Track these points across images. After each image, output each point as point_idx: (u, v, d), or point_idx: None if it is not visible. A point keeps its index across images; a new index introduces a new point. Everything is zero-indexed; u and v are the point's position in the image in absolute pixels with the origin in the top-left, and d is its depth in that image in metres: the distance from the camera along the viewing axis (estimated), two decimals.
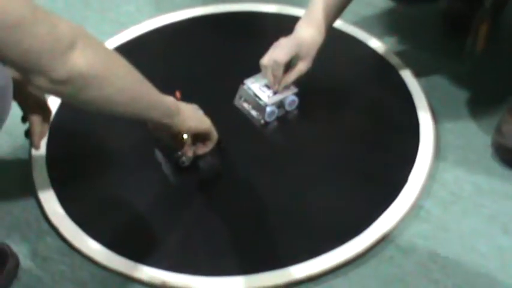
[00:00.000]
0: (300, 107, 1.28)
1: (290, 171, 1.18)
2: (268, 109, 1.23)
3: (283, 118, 1.27)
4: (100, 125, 1.25)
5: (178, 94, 1.19)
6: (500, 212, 1.13)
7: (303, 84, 1.26)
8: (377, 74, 1.37)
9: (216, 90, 1.32)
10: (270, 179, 1.17)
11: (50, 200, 1.15)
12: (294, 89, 1.26)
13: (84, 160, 1.22)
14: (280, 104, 1.25)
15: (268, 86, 1.25)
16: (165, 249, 1.08)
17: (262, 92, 1.25)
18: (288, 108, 1.27)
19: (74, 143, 1.25)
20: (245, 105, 1.27)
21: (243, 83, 1.27)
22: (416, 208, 1.13)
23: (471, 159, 1.22)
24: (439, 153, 1.22)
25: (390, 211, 1.11)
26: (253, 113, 1.26)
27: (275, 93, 1.25)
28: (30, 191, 1.17)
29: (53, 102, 1.31)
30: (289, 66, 1.22)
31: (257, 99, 1.24)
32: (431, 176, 1.18)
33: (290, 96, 1.26)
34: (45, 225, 1.13)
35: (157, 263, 1.05)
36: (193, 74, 1.36)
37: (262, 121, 1.25)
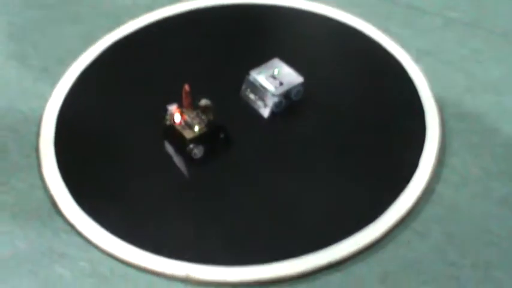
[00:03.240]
0: (305, 96, 1.29)
1: (298, 161, 1.19)
2: (275, 99, 1.24)
3: (290, 108, 1.28)
4: (109, 117, 1.25)
5: (187, 87, 1.19)
6: (510, 194, 1.16)
7: (307, 74, 1.27)
8: (378, 63, 1.38)
9: (221, 83, 1.32)
10: (277, 169, 1.18)
11: (63, 196, 1.14)
12: (300, 79, 1.27)
13: (95, 154, 1.22)
14: (286, 94, 1.26)
15: (274, 77, 1.26)
16: (184, 241, 1.08)
17: (268, 83, 1.25)
18: (294, 98, 1.27)
19: (82, 137, 1.24)
20: (251, 96, 1.28)
21: (248, 74, 1.28)
22: (428, 192, 1.15)
23: (476, 143, 1.24)
24: (445, 138, 1.24)
25: (404, 196, 1.13)
26: (260, 103, 1.26)
27: (281, 83, 1.25)
28: (42, 189, 1.16)
29: (58, 95, 1.31)
30: None
31: (263, 89, 1.25)
32: (440, 161, 1.20)
33: (297, 87, 1.26)
34: (60, 222, 1.12)
35: (179, 255, 1.05)
36: (196, 67, 1.37)
37: (269, 111, 1.25)
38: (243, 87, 1.28)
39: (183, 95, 1.20)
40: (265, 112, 1.26)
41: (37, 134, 1.25)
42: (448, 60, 1.40)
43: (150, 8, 1.54)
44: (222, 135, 1.21)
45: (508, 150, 1.23)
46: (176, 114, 1.19)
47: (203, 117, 1.19)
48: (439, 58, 1.41)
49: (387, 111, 1.27)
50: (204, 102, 1.20)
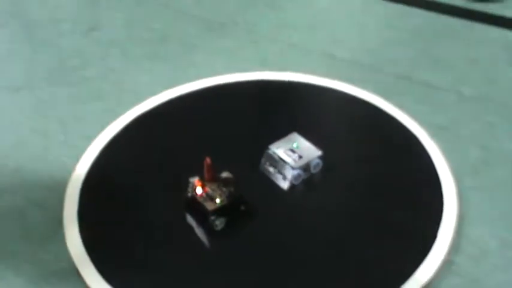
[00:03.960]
0: (324, 169, 1.32)
1: (319, 232, 1.21)
2: (294, 172, 1.27)
3: (309, 181, 1.31)
4: (131, 190, 1.28)
5: (208, 160, 1.22)
6: None
7: (326, 148, 1.31)
8: (395, 138, 1.41)
9: (241, 157, 1.35)
10: (299, 241, 1.20)
11: (87, 268, 1.16)
12: (318, 152, 1.30)
13: (118, 227, 1.23)
14: (306, 167, 1.29)
15: (293, 150, 1.30)
16: None
17: (287, 156, 1.28)
18: (313, 171, 1.30)
19: (105, 210, 1.26)
20: (271, 169, 1.31)
21: (268, 148, 1.31)
22: (448, 263, 1.16)
23: (493, 215, 1.25)
24: (462, 209, 1.26)
25: (424, 266, 1.14)
26: (279, 176, 1.29)
27: (300, 157, 1.29)
28: (66, 260, 1.18)
29: (82, 168, 1.34)
30: None
31: (283, 162, 1.28)
32: (458, 232, 1.22)
33: (315, 160, 1.29)
34: None
35: None
36: (217, 141, 1.40)
37: (288, 184, 1.28)
38: (263, 160, 1.31)
39: (205, 168, 1.23)
40: (285, 185, 1.28)
41: (61, 207, 1.27)
42: (463, 134, 1.43)
43: (169, 86, 1.58)
44: (242, 207, 1.23)
45: None
46: (198, 187, 1.21)
47: (224, 189, 1.22)
48: (455, 133, 1.44)
49: (405, 185, 1.30)
50: (225, 174, 1.23)
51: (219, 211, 1.20)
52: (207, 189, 1.22)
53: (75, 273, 1.16)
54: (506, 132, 1.44)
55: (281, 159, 1.28)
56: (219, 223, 1.19)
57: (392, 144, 1.39)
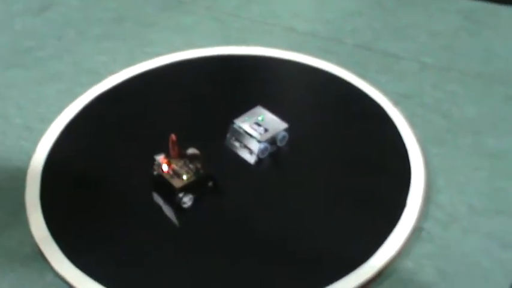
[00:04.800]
0: (289, 141, 1.30)
1: (288, 206, 1.20)
2: (261, 146, 1.25)
3: (275, 154, 1.29)
4: (94, 170, 1.25)
5: (173, 137, 1.20)
6: (496, 229, 1.17)
7: (291, 120, 1.29)
8: (359, 107, 1.41)
9: (207, 132, 1.33)
10: (268, 215, 1.18)
11: (53, 252, 1.13)
12: (284, 125, 1.28)
13: (83, 207, 1.20)
14: (272, 141, 1.27)
15: (258, 124, 1.28)
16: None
17: (253, 130, 1.27)
18: (279, 144, 1.29)
19: (69, 191, 1.23)
20: (237, 144, 1.29)
21: (233, 123, 1.29)
22: (417, 230, 1.16)
23: (460, 182, 1.26)
24: (429, 177, 1.26)
25: (394, 235, 1.14)
26: (246, 151, 1.27)
27: (266, 130, 1.27)
28: (30, 245, 1.15)
29: (42, 151, 1.30)
30: None
31: (249, 136, 1.26)
32: (426, 199, 1.22)
33: (281, 132, 1.28)
34: (51, 277, 1.11)
35: None
36: (181, 117, 1.38)
37: (255, 158, 1.26)
38: (228, 135, 1.30)
39: (170, 145, 1.20)
40: (252, 159, 1.27)
41: (23, 191, 1.24)
42: (426, 103, 1.43)
43: (127, 64, 1.55)
44: (210, 184, 1.21)
45: (491, 186, 1.25)
46: (164, 164, 1.19)
47: (191, 166, 1.20)
48: (418, 101, 1.44)
49: (371, 153, 1.29)
50: (191, 150, 1.21)
51: (187, 188, 1.18)
52: (173, 166, 1.20)
53: (40, 258, 1.13)
54: (468, 100, 1.44)
55: (247, 133, 1.27)
56: (187, 200, 1.17)
57: (357, 114, 1.39)
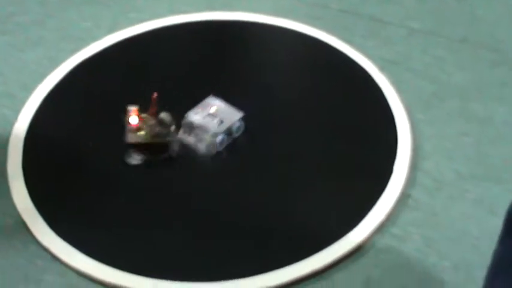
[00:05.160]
0: (276, 109, 1.29)
1: (273, 175, 1.19)
2: (218, 138, 1.21)
3: (264, 121, 1.28)
4: (75, 138, 1.24)
5: (154, 95, 1.18)
6: (484, 195, 1.17)
7: (279, 84, 1.28)
8: (345, 73, 1.39)
9: (184, 102, 1.30)
10: (255, 185, 1.18)
11: (35, 222, 1.12)
12: (239, 114, 1.24)
13: (64, 176, 1.19)
14: (228, 131, 1.23)
15: (212, 115, 1.23)
16: (156, 258, 1.06)
17: (207, 122, 1.22)
18: (235, 134, 1.24)
19: (50, 160, 1.22)
20: (190, 138, 1.22)
21: (184, 117, 1.22)
22: (404, 197, 1.16)
23: (447, 148, 1.25)
24: (416, 143, 1.26)
25: (381, 202, 1.13)
26: (201, 144, 1.22)
27: (221, 121, 1.22)
28: (14, 217, 1.14)
29: (24, 119, 1.28)
30: None
31: (204, 129, 1.21)
32: (413, 166, 1.21)
33: (236, 122, 1.23)
34: (34, 248, 1.10)
35: (147, 272, 1.04)
36: (162, 84, 1.36)
37: (213, 151, 1.22)
38: (181, 130, 1.22)
39: (152, 102, 1.18)
40: (209, 152, 1.21)
41: (4, 160, 1.22)
42: (413, 68, 1.42)
43: (111, 31, 1.52)
44: (166, 154, 1.19)
45: (477, 152, 1.24)
46: (132, 116, 1.17)
47: (157, 128, 1.17)
48: (404, 67, 1.43)
49: (358, 120, 1.28)
50: (163, 115, 1.18)
51: (137, 146, 1.16)
52: (143, 122, 1.18)
53: (23, 228, 1.12)
54: (455, 65, 1.43)
55: (201, 126, 1.21)
56: (135, 159, 1.15)
57: (343, 80, 1.37)
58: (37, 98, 1.34)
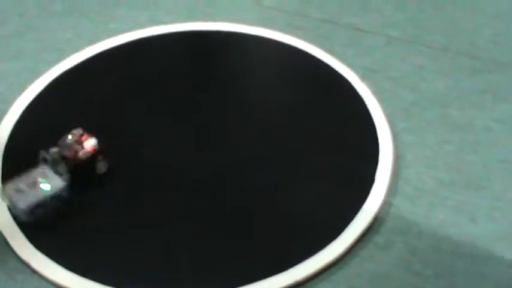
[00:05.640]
0: (258, 118, 1.29)
1: (255, 184, 1.19)
2: (26, 210, 1.11)
3: (245, 131, 1.28)
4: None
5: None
6: (464, 202, 1.18)
7: (261, 94, 1.28)
8: (326, 82, 1.40)
9: (164, 116, 1.31)
10: (235, 193, 1.18)
11: (15, 236, 1.11)
12: (48, 186, 1.14)
13: None
14: (40, 203, 1.13)
15: (24, 190, 1.13)
16: (144, 275, 1.06)
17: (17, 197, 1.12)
18: (52, 207, 1.14)
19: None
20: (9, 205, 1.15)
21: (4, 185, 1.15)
22: (387, 205, 1.16)
23: (428, 156, 1.26)
24: (397, 151, 1.26)
25: (363, 211, 1.14)
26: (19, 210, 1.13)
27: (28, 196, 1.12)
28: None
29: (3, 131, 1.27)
30: None
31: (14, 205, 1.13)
32: (395, 174, 1.22)
33: (44, 197, 1.12)
34: (13, 262, 1.09)
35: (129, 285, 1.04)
36: (143, 97, 1.35)
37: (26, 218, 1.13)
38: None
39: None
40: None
41: None
42: (393, 76, 1.43)
43: (93, 40, 1.52)
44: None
45: (458, 159, 1.25)
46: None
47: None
48: (385, 75, 1.43)
49: (339, 129, 1.29)
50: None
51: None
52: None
53: (2, 243, 1.11)
54: (434, 73, 1.44)
55: (12, 202, 1.13)
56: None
57: (324, 89, 1.37)
58: (17, 109, 1.33)
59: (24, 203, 1.10)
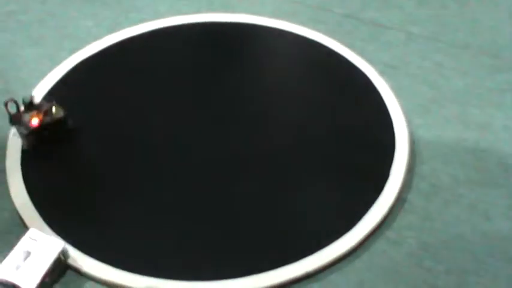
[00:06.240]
0: (278, 110, 1.29)
1: (271, 176, 1.19)
2: None
3: (259, 121, 1.28)
4: (75, 133, 1.23)
5: None
6: (479, 200, 1.17)
7: (278, 89, 1.28)
8: (345, 77, 1.39)
9: (184, 103, 1.32)
10: (251, 185, 1.18)
11: (32, 217, 1.12)
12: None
13: (63, 170, 1.19)
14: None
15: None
16: (155, 257, 1.07)
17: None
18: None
19: (48, 157, 1.22)
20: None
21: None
22: (400, 201, 1.16)
23: (444, 153, 1.25)
24: (413, 147, 1.26)
25: (377, 205, 1.13)
26: None
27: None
28: (10, 211, 1.14)
29: None
30: None
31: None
32: (410, 170, 1.21)
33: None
34: None
35: (148, 272, 1.04)
36: (160, 87, 1.36)
37: None
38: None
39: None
40: None
41: (3, 157, 1.22)
42: (412, 73, 1.42)
43: (111, 30, 1.53)
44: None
45: (474, 157, 1.24)
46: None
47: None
48: (404, 71, 1.43)
49: (356, 124, 1.28)
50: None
51: None
52: None
53: (19, 223, 1.12)
54: (454, 71, 1.43)
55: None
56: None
57: (343, 84, 1.37)
58: (37, 96, 1.34)
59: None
